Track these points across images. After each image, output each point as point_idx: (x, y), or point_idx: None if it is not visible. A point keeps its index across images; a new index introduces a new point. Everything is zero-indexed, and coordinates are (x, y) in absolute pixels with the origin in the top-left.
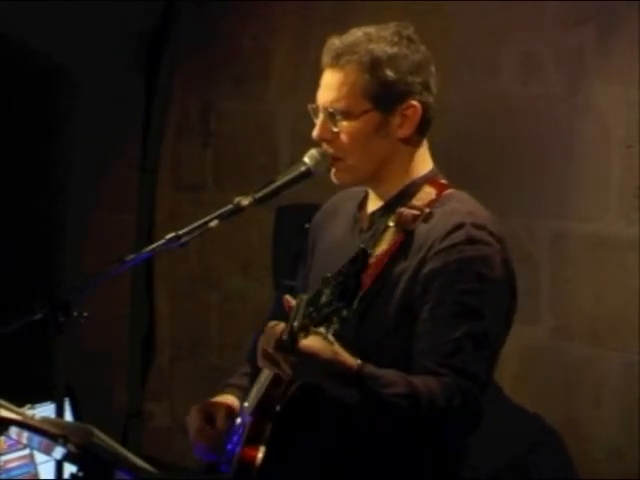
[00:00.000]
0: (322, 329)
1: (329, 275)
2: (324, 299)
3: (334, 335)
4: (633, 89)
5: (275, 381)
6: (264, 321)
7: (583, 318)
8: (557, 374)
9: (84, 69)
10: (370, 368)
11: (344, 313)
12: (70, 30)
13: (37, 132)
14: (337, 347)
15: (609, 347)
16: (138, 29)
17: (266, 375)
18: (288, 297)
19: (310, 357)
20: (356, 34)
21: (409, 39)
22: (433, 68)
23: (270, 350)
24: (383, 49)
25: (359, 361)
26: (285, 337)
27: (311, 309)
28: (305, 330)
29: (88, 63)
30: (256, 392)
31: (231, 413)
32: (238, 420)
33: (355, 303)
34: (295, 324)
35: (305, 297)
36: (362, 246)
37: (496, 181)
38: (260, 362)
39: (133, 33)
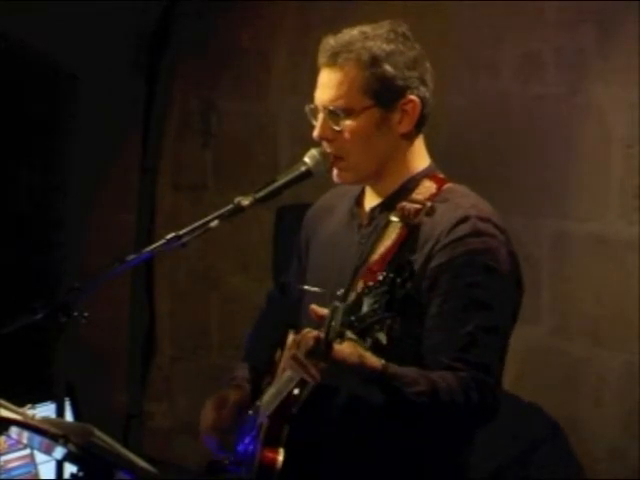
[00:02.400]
0: (356, 337)
1: (370, 284)
2: (366, 309)
3: (373, 343)
4: (633, 89)
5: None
6: (257, 319)
7: (583, 318)
8: (557, 374)
9: (84, 69)
10: (393, 368)
11: (388, 322)
12: (70, 30)
13: (37, 132)
14: (362, 350)
15: (609, 347)
16: (138, 29)
17: (286, 378)
18: (315, 306)
19: (339, 363)
20: (351, 33)
21: (404, 36)
22: (428, 64)
23: (300, 356)
24: (380, 46)
25: (383, 361)
26: (321, 345)
27: (352, 318)
28: (341, 337)
29: (88, 63)
30: (275, 394)
31: (243, 403)
32: (250, 420)
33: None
34: (331, 332)
35: (341, 305)
36: (410, 258)
37: (496, 181)
38: (288, 365)
39: (133, 33)
